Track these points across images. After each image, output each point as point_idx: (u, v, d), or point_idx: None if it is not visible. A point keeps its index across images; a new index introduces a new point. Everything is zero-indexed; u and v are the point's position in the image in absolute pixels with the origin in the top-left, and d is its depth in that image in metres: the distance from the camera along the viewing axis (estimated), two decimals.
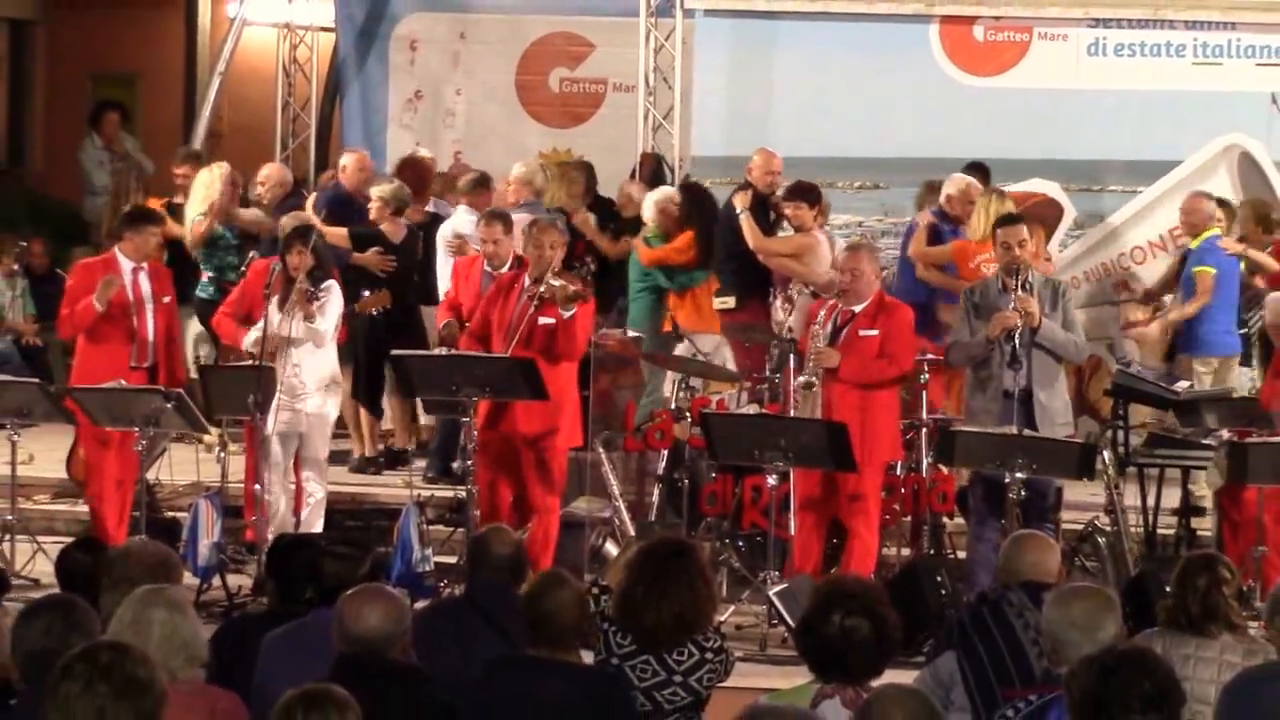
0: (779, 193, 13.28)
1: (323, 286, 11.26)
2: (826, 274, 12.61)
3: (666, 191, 13.77)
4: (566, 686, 6.42)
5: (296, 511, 11.32)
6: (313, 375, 11.28)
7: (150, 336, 11.51)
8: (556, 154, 15.97)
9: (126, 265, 11.57)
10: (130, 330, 11.49)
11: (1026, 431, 10.23)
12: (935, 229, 13.04)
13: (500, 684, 6.45)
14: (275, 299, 11.21)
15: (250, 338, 11.28)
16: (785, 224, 13.21)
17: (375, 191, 13.37)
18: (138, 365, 11.45)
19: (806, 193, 13.11)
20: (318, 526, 11.12)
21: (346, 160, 14.12)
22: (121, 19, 24.04)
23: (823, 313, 10.85)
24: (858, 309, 10.72)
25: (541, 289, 10.82)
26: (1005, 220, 11.07)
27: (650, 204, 13.57)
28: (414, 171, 14.17)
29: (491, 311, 11.11)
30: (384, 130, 16.43)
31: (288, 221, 11.97)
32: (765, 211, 13.26)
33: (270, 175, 14.22)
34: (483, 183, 13.66)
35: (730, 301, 13.10)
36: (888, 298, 11.03)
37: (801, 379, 10.62)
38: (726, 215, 13.29)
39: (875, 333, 10.68)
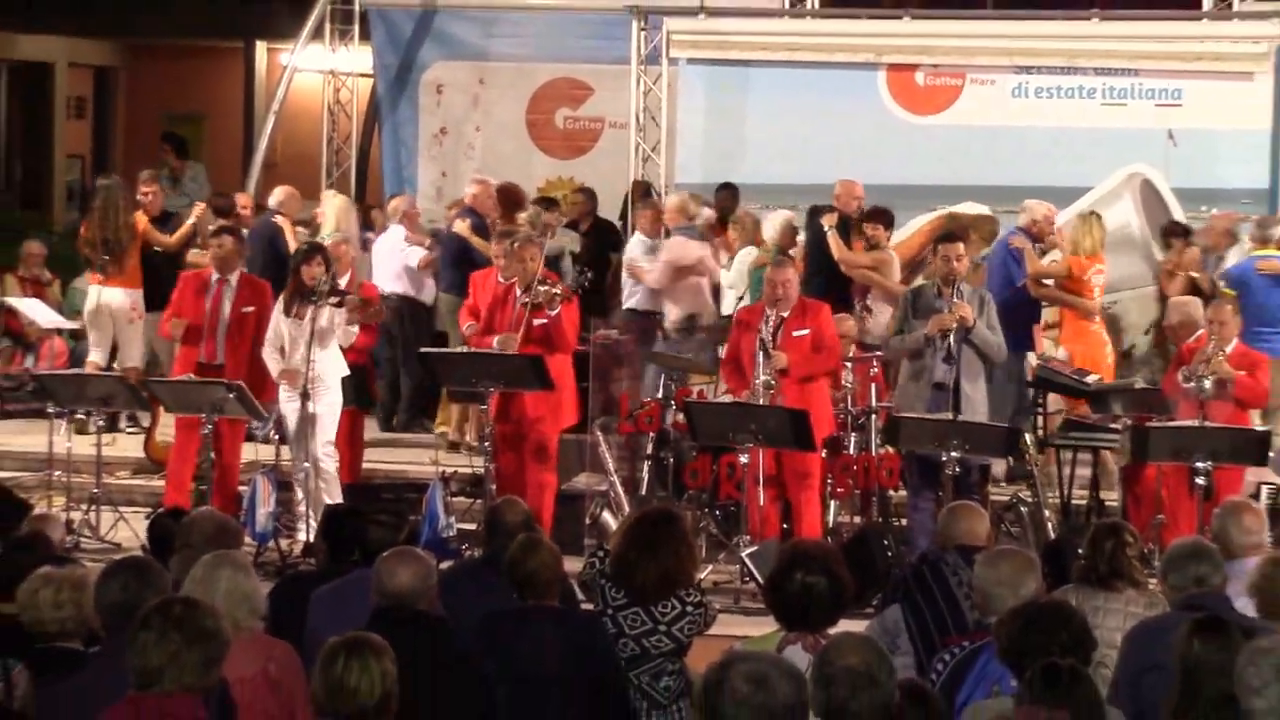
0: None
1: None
2: (899, 285, 12.59)
3: (786, 215, 13.71)
4: (551, 630, 6.46)
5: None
6: (328, 371, 11.20)
7: (219, 340, 11.35)
8: (561, 182, 15.98)
9: (214, 276, 11.51)
10: (204, 334, 11.41)
11: (961, 417, 10.26)
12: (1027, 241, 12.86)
13: (497, 632, 6.47)
14: (281, 306, 11.18)
15: (276, 368, 11.17)
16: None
17: (521, 216, 13.36)
18: (206, 362, 11.35)
19: (882, 214, 13.11)
20: (337, 497, 10.99)
21: (476, 189, 13.90)
22: (190, 66, 24.07)
23: (763, 323, 10.81)
24: (786, 314, 10.76)
25: (531, 295, 10.89)
26: (945, 238, 11.09)
27: (774, 224, 13.52)
28: (507, 195, 14.07)
29: (493, 316, 11.18)
30: (414, 161, 16.45)
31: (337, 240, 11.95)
32: (846, 231, 13.17)
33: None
34: (649, 200, 13.52)
35: None
36: (807, 300, 11.07)
37: (762, 379, 10.64)
38: (814, 233, 13.21)
39: (806, 331, 10.74)
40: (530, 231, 12.41)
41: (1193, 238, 13.28)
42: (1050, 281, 12.69)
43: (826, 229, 12.97)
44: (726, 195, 14.40)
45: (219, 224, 12.65)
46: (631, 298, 13.55)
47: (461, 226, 13.49)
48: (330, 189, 14.94)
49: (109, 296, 13.24)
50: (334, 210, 13.91)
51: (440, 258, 13.81)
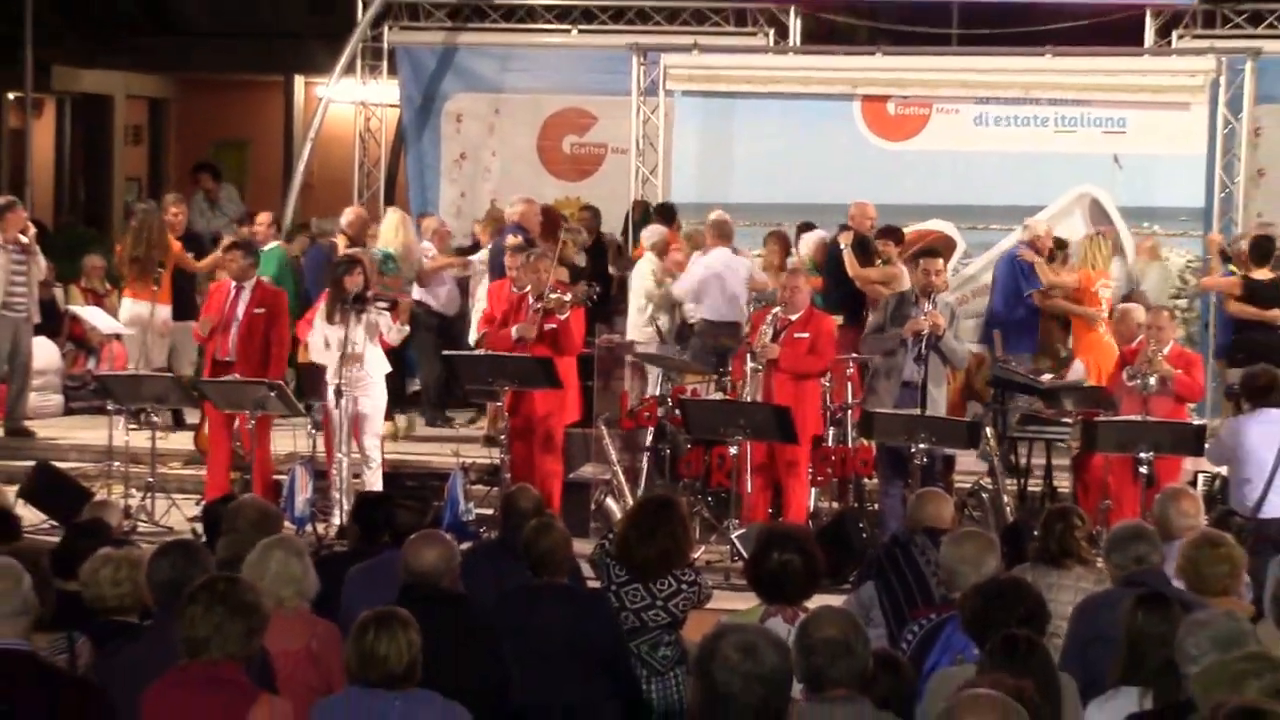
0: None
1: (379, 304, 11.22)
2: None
3: (820, 234, 13.60)
4: (561, 606, 6.47)
5: (357, 475, 11.18)
6: (375, 370, 11.22)
7: (232, 339, 11.34)
8: (569, 201, 15.97)
9: (232, 284, 11.55)
10: (219, 333, 11.43)
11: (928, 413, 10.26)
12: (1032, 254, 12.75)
13: (511, 608, 6.47)
14: (323, 314, 11.16)
15: (329, 360, 11.10)
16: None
17: (565, 236, 13.29)
18: (219, 359, 11.38)
19: (894, 232, 13.04)
20: (378, 485, 11.03)
21: (522, 207, 13.59)
22: (236, 98, 24.08)
23: (767, 321, 10.86)
24: (794, 317, 10.76)
25: (544, 302, 10.97)
26: (925, 253, 11.12)
27: (808, 243, 13.41)
28: (548, 218, 13.90)
29: (507, 321, 11.21)
30: (436, 184, 16.45)
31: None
32: (864, 249, 13.05)
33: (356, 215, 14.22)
34: (723, 226, 13.43)
35: (839, 319, 12.42)
36: (815, 310, 11.07)
37: (750, 366, 10.69)
38: (833, 251, 13.08)
39: (806, 335, 10.76)
40: (545, 247, 12.43)
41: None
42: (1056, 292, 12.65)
43: (843, 247, 12.89)
44: (659, 217, 14.45)
45: (229, 241, 12.61)
46: (712, 310, 13.08)
47: (513, 242, 13.39)
48: (389, 208, 14.72)
49: (142, 310, 13.22)
50: (387, 225, 13.68)
51: (489, 269, 13.71)
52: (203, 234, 15.07)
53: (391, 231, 13.63)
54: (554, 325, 11.01)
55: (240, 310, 11.39)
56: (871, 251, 13.04)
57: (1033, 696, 4.62)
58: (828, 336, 10.88)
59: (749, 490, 10.59)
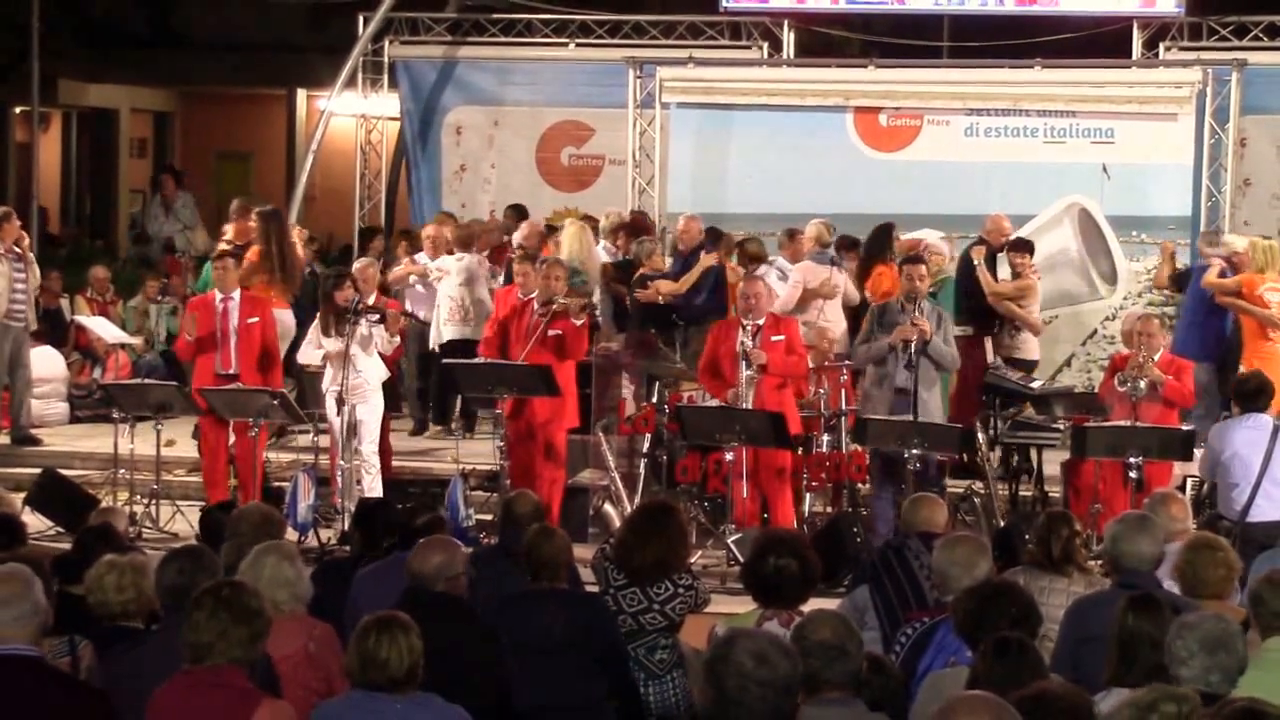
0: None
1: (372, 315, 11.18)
2: (1037, 315, 12.35)
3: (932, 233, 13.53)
4: (560, 609, 6.46)
5: (359, 481, 11.15)
6: (372, 378, 11.19)
7: (232, 350, 11.26)
8: (568, 212, 15.95)
9: (218, 296, 11.44)
10: (217, 346, 11.33)
11: (921, 419, 10.25)
12: (1222, 271, 12.34)
13: (511, 612, 6.45)
14: (318, 324, 11.13)
15: (326, 371, 11.05)
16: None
17: (633, 246, 13.30)
18: (222, 372, 11.27)
19: (1025, 244, 12.86)
20: (378, 491, 10.99)
21: (681, 223, 13.50)
22: (239, 111, 24.11)
23: (742, 331, 10.80)
24: (760, 323, 10.75)
25: (555, 306, 10.92)
26: (909, 260, 11.09)
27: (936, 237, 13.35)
28: (637, 222, 13.87)
29: (509, 326, 11.16)
30: (437, 195, 16.44)
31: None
32: (993, 262, 12.91)
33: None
34: (791, 236, 13.36)
35: (969, 330, 12.41)
36: (774, 313, 11.07)
37: (746, 374, 10.68)
38: (966, 264, 12.84)
39: (782, 337, 10.74)
40: (558, 255, 12.44)
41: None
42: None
43: (976, 262, 12.72)
44: (511, 214, 14.48)
45: (219, 249, 12.29)
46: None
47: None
48: (569, 219, 14.24)
49: (284, 317, 12.40)
50: (569, 236, 13.40)
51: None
52: (155, 238, 14.96)
53: (574, 243, 13.34)
54: (560, 330, 10.96)
55: (234, 322, 11.30)
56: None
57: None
58: (798, 336, 10.94)
59: (744, 495, 10.56)
